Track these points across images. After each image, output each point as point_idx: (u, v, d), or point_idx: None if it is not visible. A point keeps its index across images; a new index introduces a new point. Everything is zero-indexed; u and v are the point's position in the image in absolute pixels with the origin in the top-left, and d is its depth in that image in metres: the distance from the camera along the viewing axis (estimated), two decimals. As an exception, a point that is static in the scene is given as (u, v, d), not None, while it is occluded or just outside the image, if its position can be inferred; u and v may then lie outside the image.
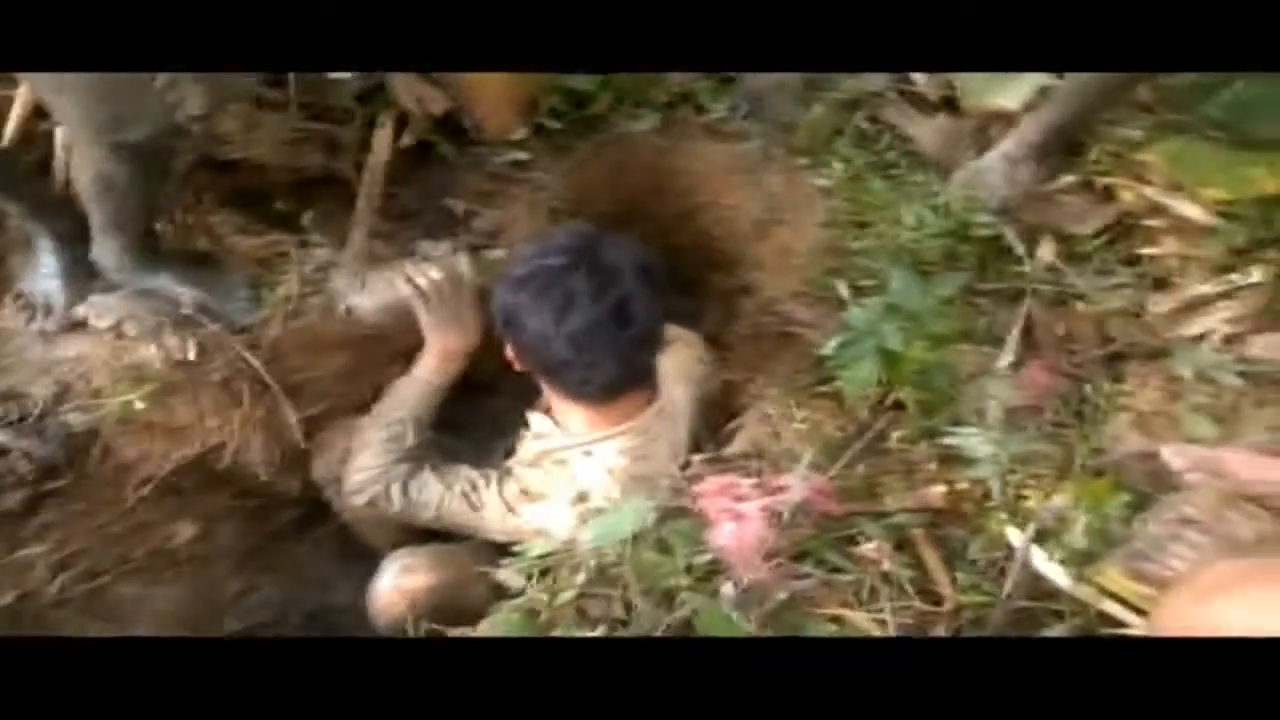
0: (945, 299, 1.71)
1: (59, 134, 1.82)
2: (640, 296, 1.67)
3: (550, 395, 1.84)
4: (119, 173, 1.49)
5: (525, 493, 1.81)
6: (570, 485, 1.78)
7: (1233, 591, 0.99)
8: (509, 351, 1.79)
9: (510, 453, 1.97)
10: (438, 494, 1.84)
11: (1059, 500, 1.48)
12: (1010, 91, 2.26)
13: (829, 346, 1.66)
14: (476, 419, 2.22)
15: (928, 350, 1.65)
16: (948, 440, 1.64)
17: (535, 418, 1.93)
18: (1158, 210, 2.00)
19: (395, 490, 1.85)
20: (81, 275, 1.83)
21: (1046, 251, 2.02)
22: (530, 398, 1.99)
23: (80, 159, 1.53)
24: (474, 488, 1.84)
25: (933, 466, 1.64)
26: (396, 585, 1.83)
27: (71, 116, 1.42)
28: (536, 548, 1.44)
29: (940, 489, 1.57)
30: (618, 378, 1.73)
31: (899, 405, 1.74)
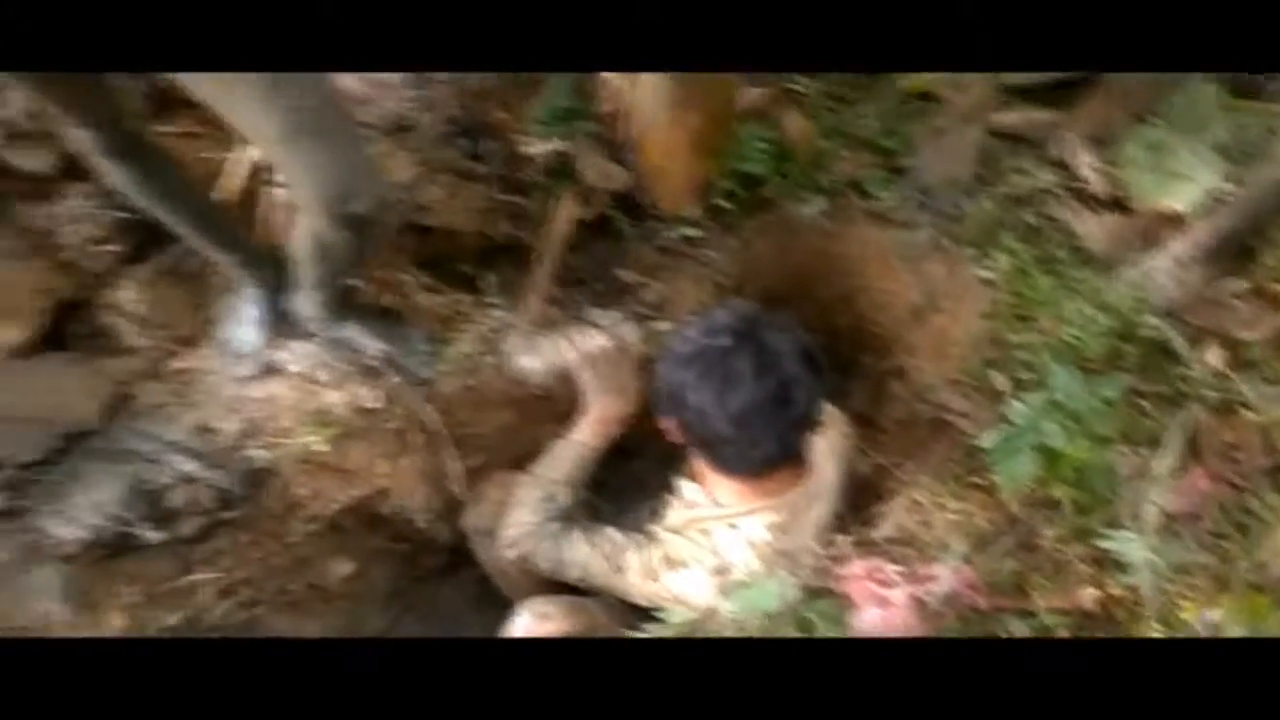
0: (1109, 399, 1.71)
1: (273, 194, 1.97)
2: (801, 380, 1.68)
3: (702, 467, 1.85)
4: (337, 239, 1.59)
5: (668, 559, 1.83)
6: (713, 556, 1.79)
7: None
8: (666, 424, 1.79)
9: (656, 515, 1.99)
10: (585, 554, 1.88)
11: (1214, 614, 1.45)
12: (1182, 194, 2.25)
13: (987, 439, 1.67)
14: (621, 481, 2.27)
15: (1088, 450, 1.65)
16: (1102, 543, 1.63)
17: (685, 485, 1.94)
18: (1331, 321, 1.96)
19: (546, 547, 1.90)
20: (278, 323, 1.97)
21: (1213, 356, 1.99)
22: (674, 463, 2.04)
23: (303, 223, 1.64)
24: (619, 551, 1.88)
25: (1085, 568, 1.63)
26: (529, 631, 1.88)
27: (303, 185, 1.52)
28: (677, 614, 1.49)
29: (1091, 592, 1.56)
30: (774, 456, 1.74)
31: (1053, 503, 1.74)
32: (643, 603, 1.84)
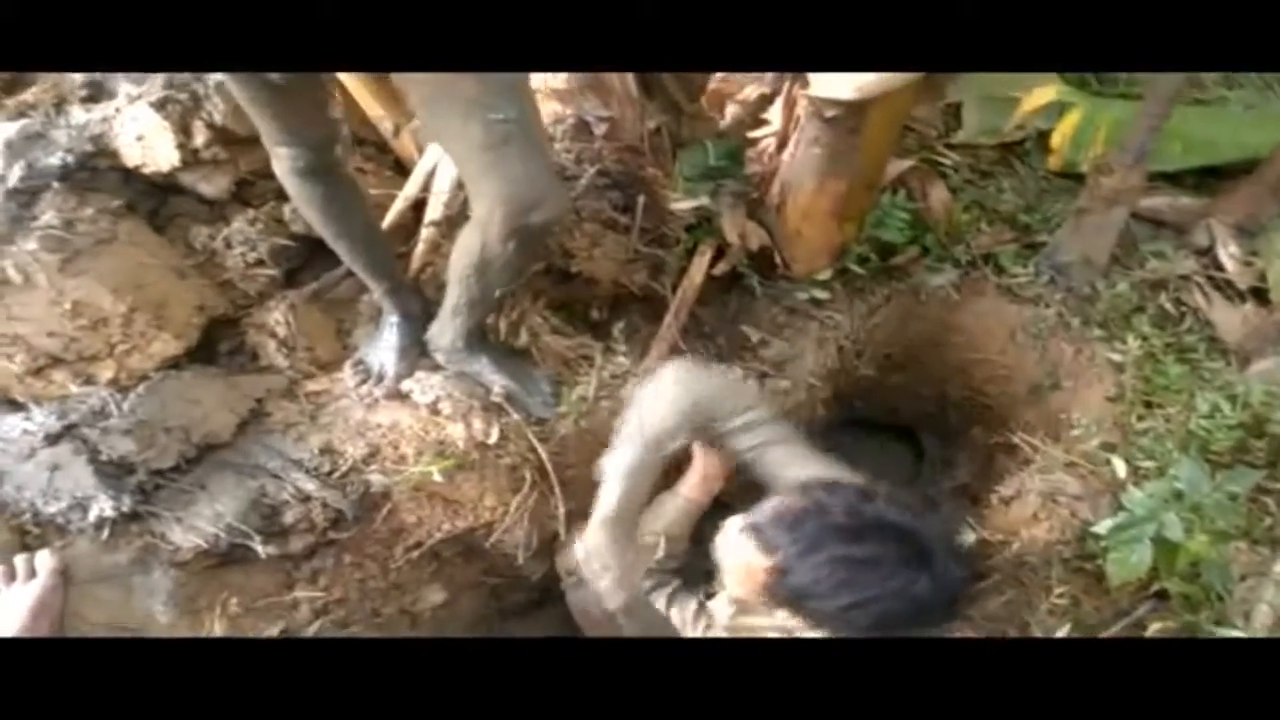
0: (1234, 494, 1.69)
1: (426, 231, 2.09)
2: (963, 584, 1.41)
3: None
4: (502, 254, 1.65)
5: (745, 627, 1.71)
6: (773, 629, 1.62)
7: None
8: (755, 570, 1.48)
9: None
10: (675, 618, 1.86)
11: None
12: (1323, 289, 2.21)
13: (1102, 525, 1.68)
14: (713, 533, 2.27)
15: (1207, 545, 1.64)
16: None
17: (718, 605, 1.81)
18: None
19: (642, 604, 1.88)
20: (413, 353, 2.03)
21: (1343, 459, 1.96)
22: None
23: (469, 240, 1.69)
24: (701, 619, 1.82)
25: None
26: None
27: (492, 193, 1.57)
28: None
29: (1195, 691, 1.55)
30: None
31: (1162, 595, 1.73)
32: None
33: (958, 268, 2.42)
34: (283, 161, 1.68)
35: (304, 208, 1.80)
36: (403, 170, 2.15)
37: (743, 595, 1.61)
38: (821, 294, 2.31)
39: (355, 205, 1.83)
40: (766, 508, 1.47)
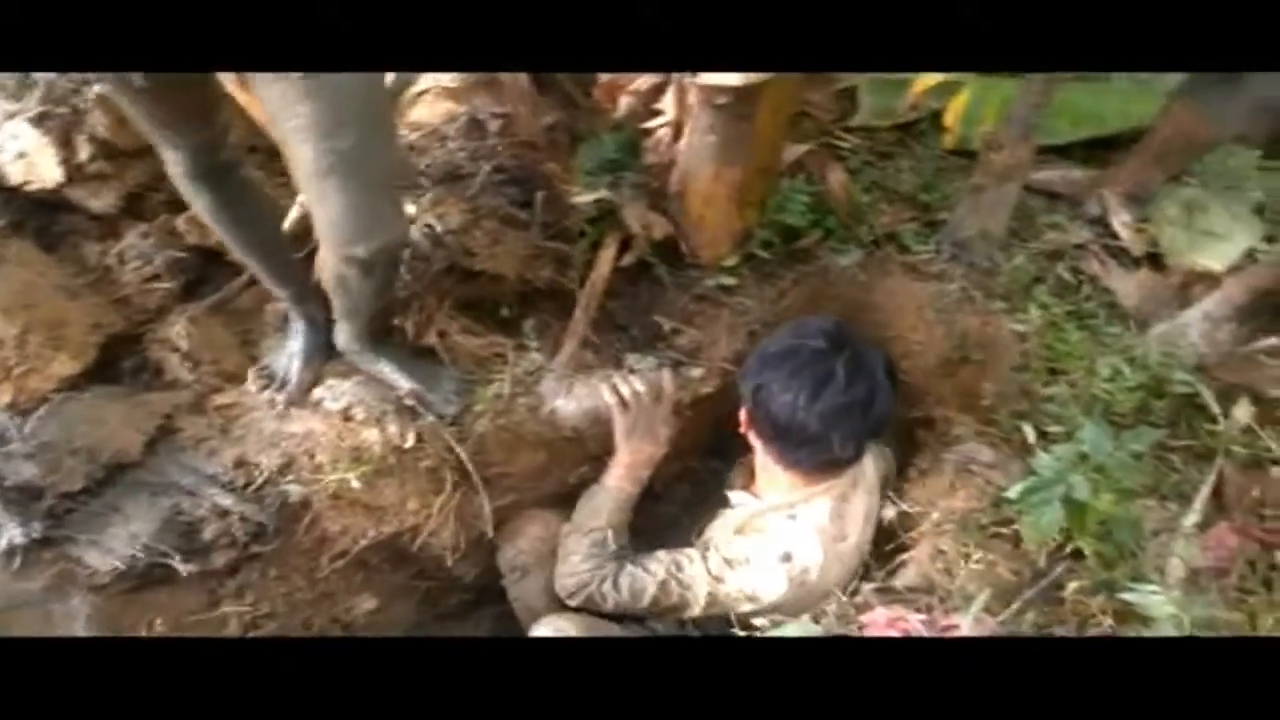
0: (1136, 453, 1.73)
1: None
2: (885, 389, 1.83)
3: (766, 462, 1.97)
4: (350, 275, 1.67)
5: (729, 561, 1.92)
6: (775, 546, 1.90)
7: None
8: (745, 416, 1.95)
9: (702, 531, 2.08)
10: (648, 581, 1.93)
11: (1238, 670, 1.47)
12: (1217, 252, 2.28)
13: (1013, 490, 1.70)
14: (651, 524, 2.32)
15: (1114, 503, 1.67)
16: (1128, 596, 1.64)
17: (735, 495, 2.06)
18: (1360, 379, 1.97)
19: (608, 588, 1.95)
20: (320, 358, 2.02)
21: (1243, 412, 2.01)
22: (700, 506, 2.11)
23: (325, 257, 1.70)
24: (679, 567, 1.94)
25: (1108, 621, 1.64)
26: None
27: (320, 224, 1.59)
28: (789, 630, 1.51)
29: (1114, 645, 1.58)
30: (852, 458, 1.89)
31: (1078, 554, 1.76)
32: (716, 611, 1.92)
33: (862, 248, 2.44)
34: (170, 165, 1.64)
35: (199, 212, 1.75)
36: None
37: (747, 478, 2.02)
38: (730, 280, 2.32)
39: (253, 209, 1.79)
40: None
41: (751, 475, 2.09)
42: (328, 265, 1.70)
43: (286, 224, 2.09)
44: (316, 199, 1.54)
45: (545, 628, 1.95)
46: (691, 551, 1.98)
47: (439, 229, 1.91)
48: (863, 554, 2.00)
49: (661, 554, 1.98)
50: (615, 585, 1.95)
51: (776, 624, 1.60)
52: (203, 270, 2.12)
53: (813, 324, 1.89)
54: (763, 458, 1.98)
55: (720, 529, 2.02)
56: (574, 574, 1.99)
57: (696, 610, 1.94)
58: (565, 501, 2.30)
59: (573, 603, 1.99)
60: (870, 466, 2.06)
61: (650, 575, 1.94)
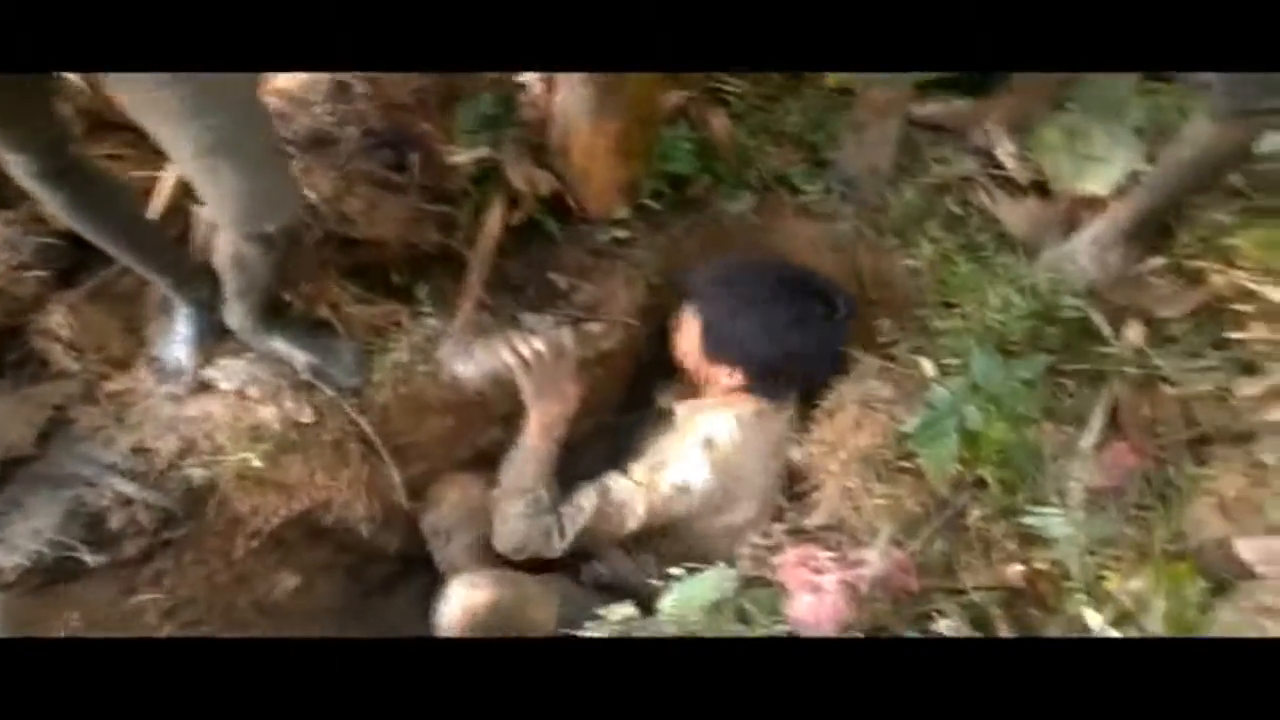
0: (1027, 380, 1.75)
1: (199, 211, 1.96)
2: (843, 328, 2.07)
3: (710, 380, 2.14)
4: (252, 253, 1.63)
5: (654, 466, 2.05)
6: (695, 437, 2.06)
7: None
8: (691, 333, 2.12)
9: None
10: (581, 517, 2.01)
11: (1137, 583, 1.49)
12: (1100, 176, 2.30)
13: (910, 425, 1.71)
14: (568, 482, 2.29)
15: (1009, 430, 1.69)
16: (1027, 520, 1.67)
17: (676, 406, 2.22)
18: (1247, 295, 2.00)
19: (554, 537, 2.01)
20: (210, 339, 1.96)
21: (1133, 334, 2.04)
22: (613, 462, 2.13)
23: (220, 236, 1.66)
24: (608, 491, 2.03)
25: (1012, 545, 1.67)
26: (460, 601, 1.94)
27: (216, 204, 1.53)
28: (618, 611, 1.51)
29: (1018, 568, 1.60)
30: (813, 393, 2.09)
31: (981, 483, 1.78)
32: (656, 521, 2.03)
33: (753, 192, 2.43)
34: (15, 168, 1.55)
35: (54, 211, 1.69)
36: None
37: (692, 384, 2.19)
38: (622, 233, 2.29)
39: (110, 201, 1.71)
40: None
41: (679, 396, 2.25)
42: (223, 245, 1.66)
43: (159, 204, 2.00)
44: (209, 180, 1.48)
45: (460, 585, 1.96)
46: (613, 473, 2.07)
47: (313, 197, 1.84)
48: (780, 480, 2.10)
49: (587, 486, 2.05)
50: (559, 532, 2.01)
51: (694, 571, 1.58)
52: (76, 256, 2.03)
53: (771, 261, 2.16)
54: (705, 372, 2.14)
55: (647, 443, 2.17)
56: (515, 533, 2.03)
57: (636, 523, 2.02)
58: (480, 464, 2.30)
59: (518, 558, 2.05)
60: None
61: (584, 510, 2.01)
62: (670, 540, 2.09)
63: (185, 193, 1.99)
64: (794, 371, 2.10)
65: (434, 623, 1.97)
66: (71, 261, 2.04)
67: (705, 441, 2.04)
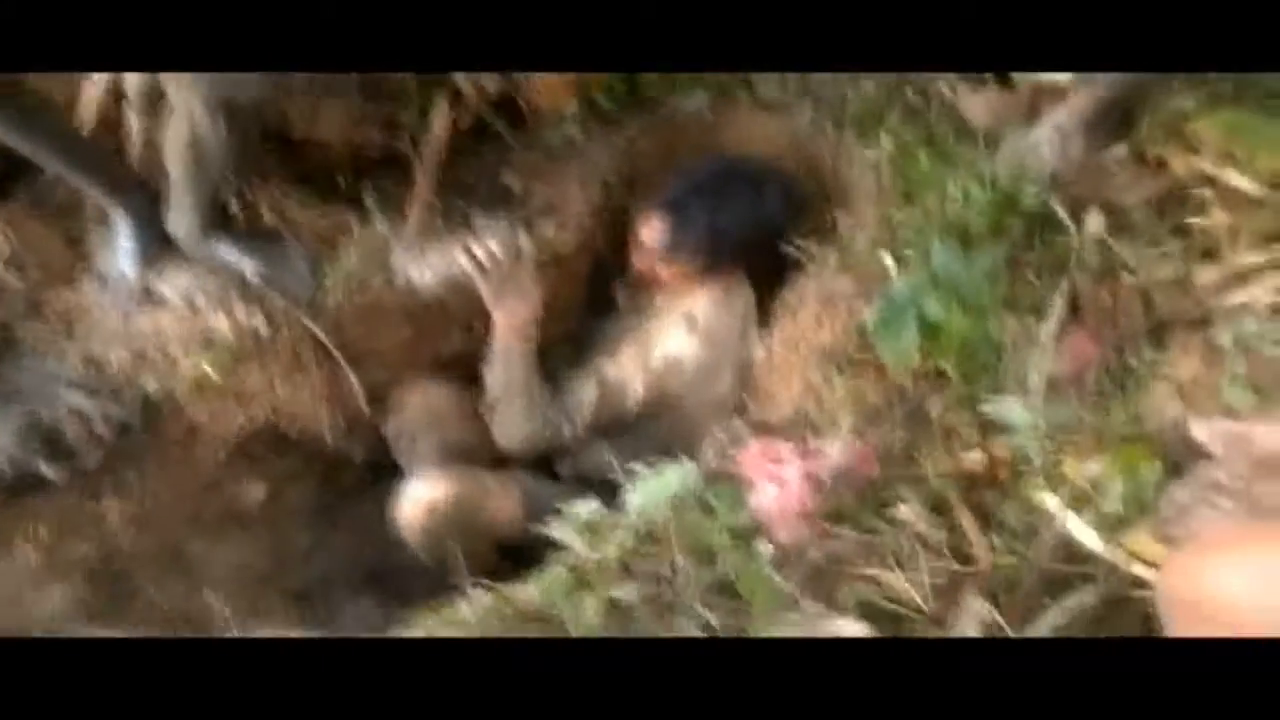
0: (986, 270, 1.73)
1: (133, 118, 1.90)
2: (783, 203, 2.20)
3: (672, 272, 2.19)
4: (212, 135, 1.58)
5: (643, 346, 2.15)
6: (676, 315, 2.17)
7: (1232, 551, 1.01)
8: (648, 237, 2.16)
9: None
10: (589, 401, 2.10)
11: (1095, 467, 1.50)
12: (1061, 63, 2.26)
13: (869, 317, 1.69)
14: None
15: (969, 322, 1.67)
16: (987, 408, 1.66)
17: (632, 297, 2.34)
18: (1208, 181, 1.99)
19: (564, 429, 2.11)
20: (154, 251, 1.91)
21: (1094, 223, 2.02)
22: (583, 358, 2.19)
23: (177, 123, 1.61)
24: (604, 374, 2.12)
25: (972, 434, 1.66)
26: (417, 495, 1.96)
27: (184, 78, 1.48)
28: (583, 507, 1.50)
29: (978, 455, 1.60)
30: (772, 262, 2.19)
31: (941, 374, 1.77)
32: (655, 396, 2.14)
33: (707, 89, 2.38)
34: None
35: None
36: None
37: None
38: (575, 132, 2.23)
39: (31, 107, 1.66)
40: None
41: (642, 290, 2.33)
42: (180, 133, 1.63)
43: (88, 114, 1.93)
44: None
45: (417, 482, 1.99)
46: (601, 358, 2.17)
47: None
48: (747, 364, 2.18)
49: (580, 376, 2.14)
50: (569, 423, 2.11)
51: (658, 471, 1.56)
52: (9, 168, 1.98)
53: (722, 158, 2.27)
54: (666, 266, 2.18)
55: (626, 333, 2.25)
56: (520, 433, 2.10)
57: (635, 402, 2.13)
58: (444, 369, 2.30)
59: (530, 452, 2.15)
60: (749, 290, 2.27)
61: (587, 397, 2.10)
62: (660, 421, 2.20)
63: (114, 99, 1.92)
64: (747, 247, 2.18)
65: (393, 521, 1.97)
66: (3, 172, 1.99)
67: (687, 318, 2.14)
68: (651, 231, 2.18)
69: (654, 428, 2.23)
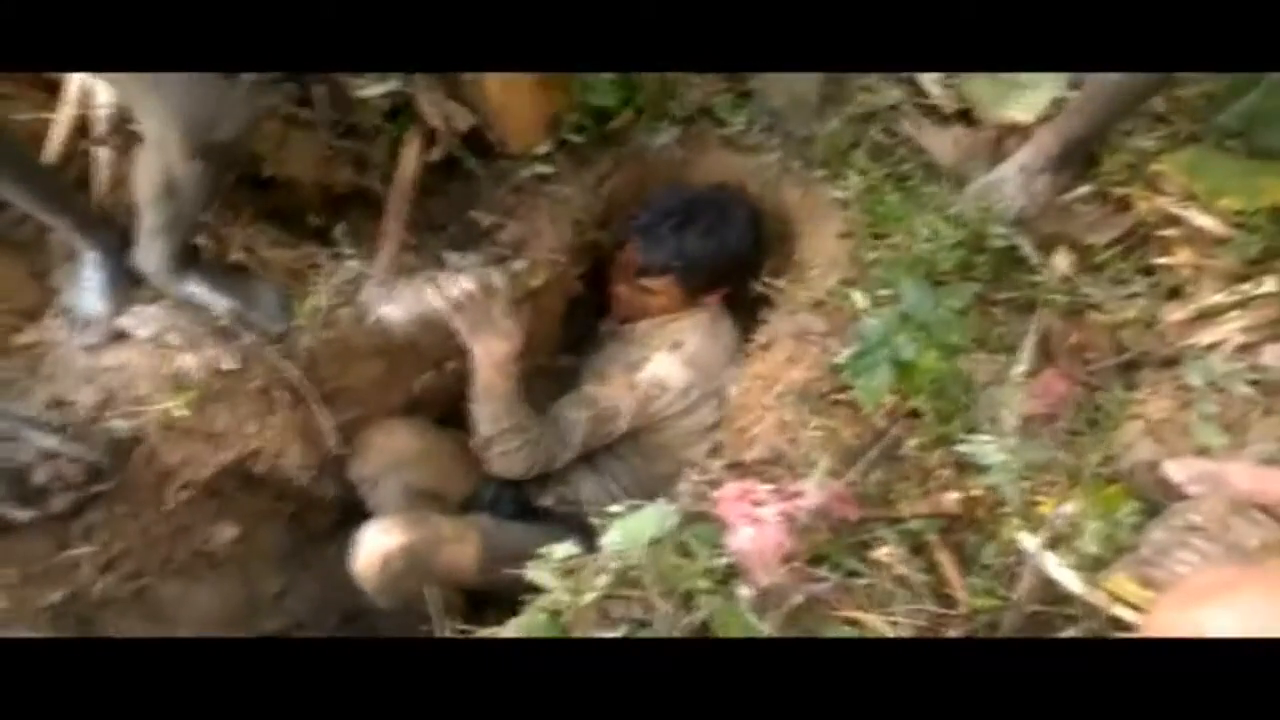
0: (957, 309, 1.74)
1: (99, 152, 1.86)
2: (747, 227, 2.25)
3: (648, 300, 2.27)
4: (189, 175, 1.53)
5: (630, 366, 2.20)
6: (663, 340, 2.22)
7: (1220, 597, 1.02)
8: (623, 268, 2.26)
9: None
10: (581, 424, 2.14)
11: (1071, 507, 1.50)
12: (1025, 103, 2.28)
13: (843, 356, 1.69)
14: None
15: (941, 360, 1.68)
16: (962, 448, 1.67)
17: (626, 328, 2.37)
18: (1172, 220, 2.02)
19: (559, 453, 2.14)
20: (122, 287, 1.86)
21: (1061, 261, 2.05)
22: (560, 394, 2.19)
23: (149, 162, 1.55)
24: (595, 398, 2.16)
25: (947, 473, 1.67)
26: (370, 546, 1.94)
27: (162, 116, 1.44)
28: (560, 550, 1.48)
29: (954, 495, 1.60)
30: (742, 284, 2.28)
31: (915, 413, 1.77)
32: (643, 422, 2.20)
33: (676, 124, 2.38)
34: None
35: None
36: (53, 88, 1.89)
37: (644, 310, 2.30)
38: (545, 168, 2.22)
39: None
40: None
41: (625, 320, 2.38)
42: (152, 175, 1.57)
43: (53, 148, 1.89)
44: (149, 91, 1.41)
45: (371, 530, 1.96)
46: (588, 385, 2.21)
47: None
48: (725, 399, 2.20)
49: (569, 402, 2.18)
50: (563, 446, 2.14)
51: (634, 509, 1.54)
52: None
53: (690, 189, 2.32)
54: (640, 294, 2.26)
55: (611, 361, 2.28)
56: (518, 464, 2.11)
57: (625, 424, 2.18)
58: (415, 409, 2.29)
59: (528, 476, 2.17)
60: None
61: (580, 420, 2.14)
62: (644, 453, 2.29)
63: (80, 133, 1.88)
64: (717, 270, 2.23)
65: (350, 569, 1.95)
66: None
67: (672, 344, 2.21)
68: (623, 254, 2.25)
69: (633, 456, 2.29)
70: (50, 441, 1.76)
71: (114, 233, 1.82)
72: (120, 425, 1.83)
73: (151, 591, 2.00)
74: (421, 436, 2.25)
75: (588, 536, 1.55)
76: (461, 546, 2.01)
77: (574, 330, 2.56)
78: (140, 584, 1.97)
